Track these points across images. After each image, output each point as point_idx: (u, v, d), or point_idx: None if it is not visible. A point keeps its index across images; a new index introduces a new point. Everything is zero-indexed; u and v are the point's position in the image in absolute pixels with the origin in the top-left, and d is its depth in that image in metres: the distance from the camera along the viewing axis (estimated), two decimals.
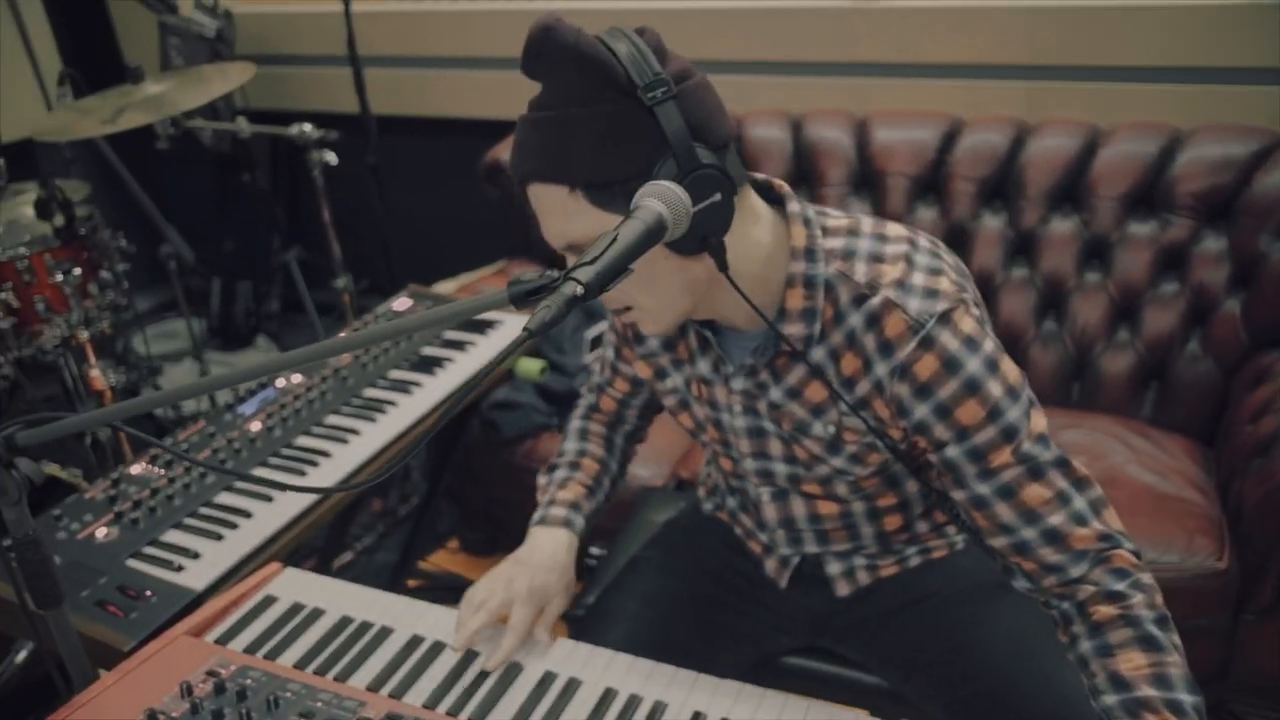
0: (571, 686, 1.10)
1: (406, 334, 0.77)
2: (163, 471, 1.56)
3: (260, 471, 1.57)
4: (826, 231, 1.10)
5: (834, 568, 1.33)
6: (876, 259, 1.07)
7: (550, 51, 0.93)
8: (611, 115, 0.93)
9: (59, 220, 2.02)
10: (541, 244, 2.68)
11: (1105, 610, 0.98)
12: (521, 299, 0.78)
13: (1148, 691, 0.93)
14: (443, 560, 2.56)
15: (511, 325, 1.97)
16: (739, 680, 1.12)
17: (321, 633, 1.18)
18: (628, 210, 0.92)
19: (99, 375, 2.08)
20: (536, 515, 1.35)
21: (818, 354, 1.09)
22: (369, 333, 0.81)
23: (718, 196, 0.95)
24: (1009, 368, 1.04)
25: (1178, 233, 2.09)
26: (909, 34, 2.56)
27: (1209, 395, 2.08)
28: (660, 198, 0.86)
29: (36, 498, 1.90)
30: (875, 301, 1.04)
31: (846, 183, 2.37)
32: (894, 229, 1.11)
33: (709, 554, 1.43)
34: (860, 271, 1.06)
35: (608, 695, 1.09)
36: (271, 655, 1.15)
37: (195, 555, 1.38)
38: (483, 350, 1.90)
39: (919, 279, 1.04)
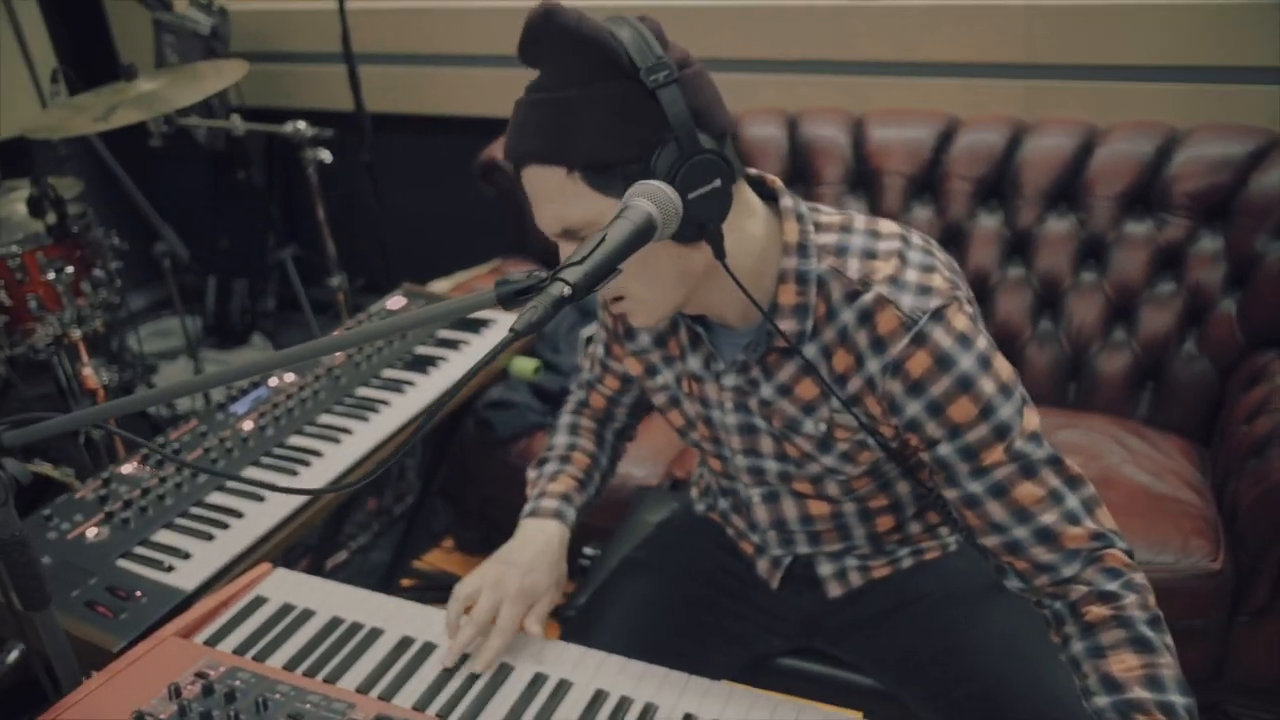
0: (562, 688, 1.09)
1: (393, 334, 0.76)
2: (154, 471, 1.55)
3: (252, 471, 1.56)
4: (819, 227, 1.09)
5: (826, 569, 1.32)
6: (869, 255, 1.06)
7: (552, 34, 0.93)
8: (613, 97, 0.93)
9: (51, 218, 2.02)
10: (537, 242, 2.69)
11: (1097, 611, 0.98)
12: (509, 299, 0.77)
13: (1140, 693, 0.93)
14: (438, 559, 2.56)
15: (506, 324, 1.96)
16: (731, 682, 1.11)
17: (311, 634, 1.17)
18: (624, 195, 0.91)
19: (91, 374, 2.07)
20: (527, 508, 1.34)
21: (809, 350, 1.08)
22: (357, 333, 0.80)
23: (717, 183, 0.95)
24: (1002, 365, 1.04)
25: (1174, 232, 2.09)
26: (907, 32, 2.55)
27: (1205, 395, 2.08)
28: (650, 197, 0.86)
29: (28, 497, 1.90)
30: (868, 298, 1.03)
31: (843, 181, 2.36)
32: (887, 226, 1.11)
33: (701, 555, 1.43)
34: (853, 268, 1.06)
35: (598, 697, 1.08)
36: (261, 656, 1.14)
37: (186, 555, 1.37)
38: (476, 349, 1.90)
39: (912, 276, 1.04)
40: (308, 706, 1.03)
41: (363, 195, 3.04)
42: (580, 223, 0.98)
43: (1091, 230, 2.15)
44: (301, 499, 1.48)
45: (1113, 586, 0.98)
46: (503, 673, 1.12)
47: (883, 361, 1.03)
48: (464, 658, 1.14)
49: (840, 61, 2.65)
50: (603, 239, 0.80)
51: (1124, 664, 0.94)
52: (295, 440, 1.63)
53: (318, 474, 1.55)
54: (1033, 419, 1.04)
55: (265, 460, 1.59)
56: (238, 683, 1.06)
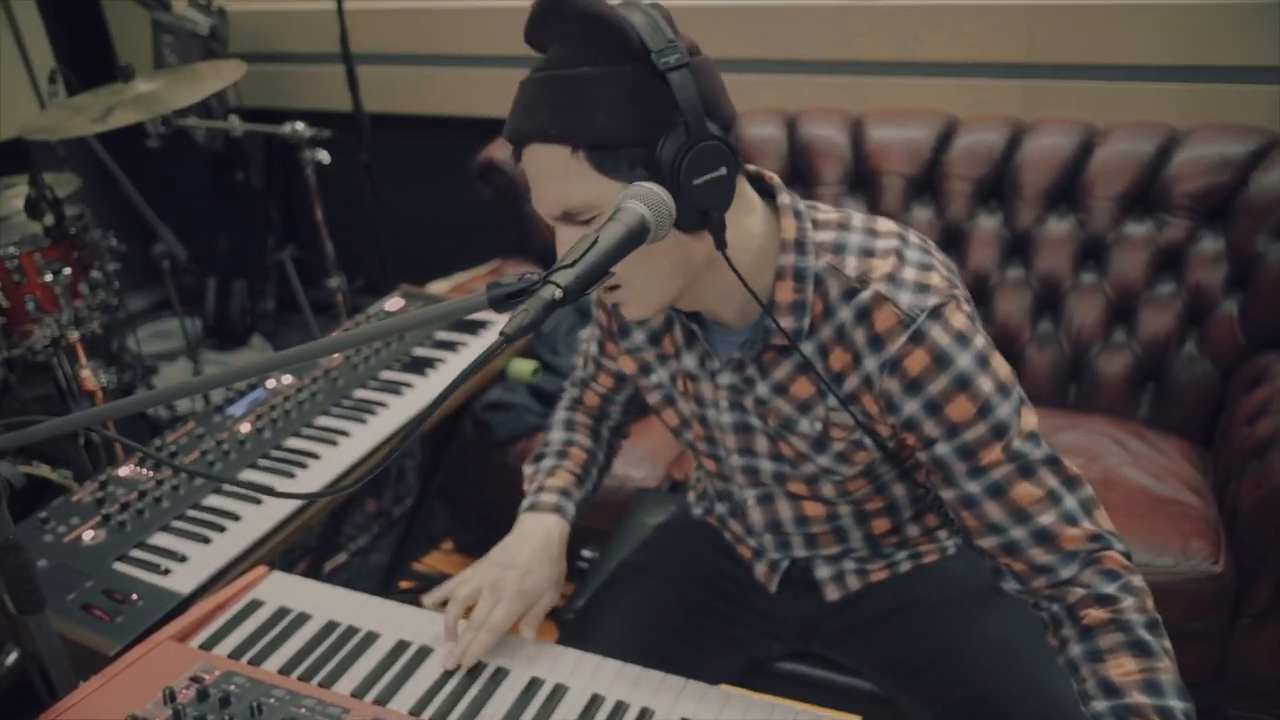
0: (558, 693, 1.09)
1: (383, 338, 0.76)
2: (151, 474, 1.55)
3: (248, 474, 1.56)
4: (817, 225, 1.09)
5: (823, 572, 1.32)
6: (867, 253, 1.06)
7: (562, 11, 0.92)
8: (623, 78, 0.92)
9: (49, 219, 2.01)
10: (537, 243, 2.68)
11: (1095, 614, 0.97)
12: (501, 302, 0.77)
13: (1138, 698, 0.92)
14: (437, 561, 2.55)
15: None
16: (728, 686, 1.11)
17: (307, 638, 1.17)
18: (629, 177, 0.91)
19: (90, 375, 2.07)
20: (525, 502, 1.33)
21: (806, 348, 1.08)
22: (348, 337, 0.79)
23: (723, 171, 0.94)
24: (1000, 364, 1.04)
25: (1174, 233, 2.08)
26: (906, 32, 2.55)
27: (1206, 397, 2.07)
28: (643, 199, 0.85)
29: (27, 499, 1.90)
30: (866, 295, 1.03)
31: (842, 182, 2.36)
32: (884, 224, 1.11)
33: (699, 558, 1.42)
34: (851, 265, 1.05)
35: (594, 702, 1.08)
36: (256, 661, 1.14)
37: (182, 558, 1.37)
38: (474, 351, 1.89)
39: (910, 274, 1.03)
40: (303, 711, 1.03)
41: (361, 196, 3.04)
42: (581, 205, 0.97)
43: (1091, 231, 2.15)
44: (298, 502, 1.48)
45: (1111, 589, 0.97)
46: (499, 677, 1.12)
47: (880, 359, 1.02)
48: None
49: (839, 61, 2.64)
50: (595, 241, 0.79)
51: (1122, 668, 0.94)
52: (292, 443, 1.63)
53: (315, 477, 1.55)
54: (1031, 419, 1.04)
55: (262, 463, 1.58)
56: (233, 687, 1.06)
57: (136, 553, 1.38)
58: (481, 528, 2.51)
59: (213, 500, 1.49)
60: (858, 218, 1.11)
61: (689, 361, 1.19)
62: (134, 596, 1.29)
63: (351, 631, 1.18)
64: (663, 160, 0.92)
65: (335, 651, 1.15)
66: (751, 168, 1.09)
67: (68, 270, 2.03)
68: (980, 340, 1.03)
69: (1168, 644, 0.96)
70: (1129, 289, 2.12)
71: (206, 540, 1.40)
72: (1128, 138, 2.13)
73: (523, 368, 1.95)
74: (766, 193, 1.10)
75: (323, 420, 1.68)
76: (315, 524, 1.54)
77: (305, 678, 1.11)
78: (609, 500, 2.02)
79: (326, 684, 1.10)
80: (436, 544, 2.62)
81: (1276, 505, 1.65)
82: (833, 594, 1.32)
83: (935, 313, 1.01)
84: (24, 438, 0.90)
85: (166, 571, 1.34)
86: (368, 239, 3.16)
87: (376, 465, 1.46)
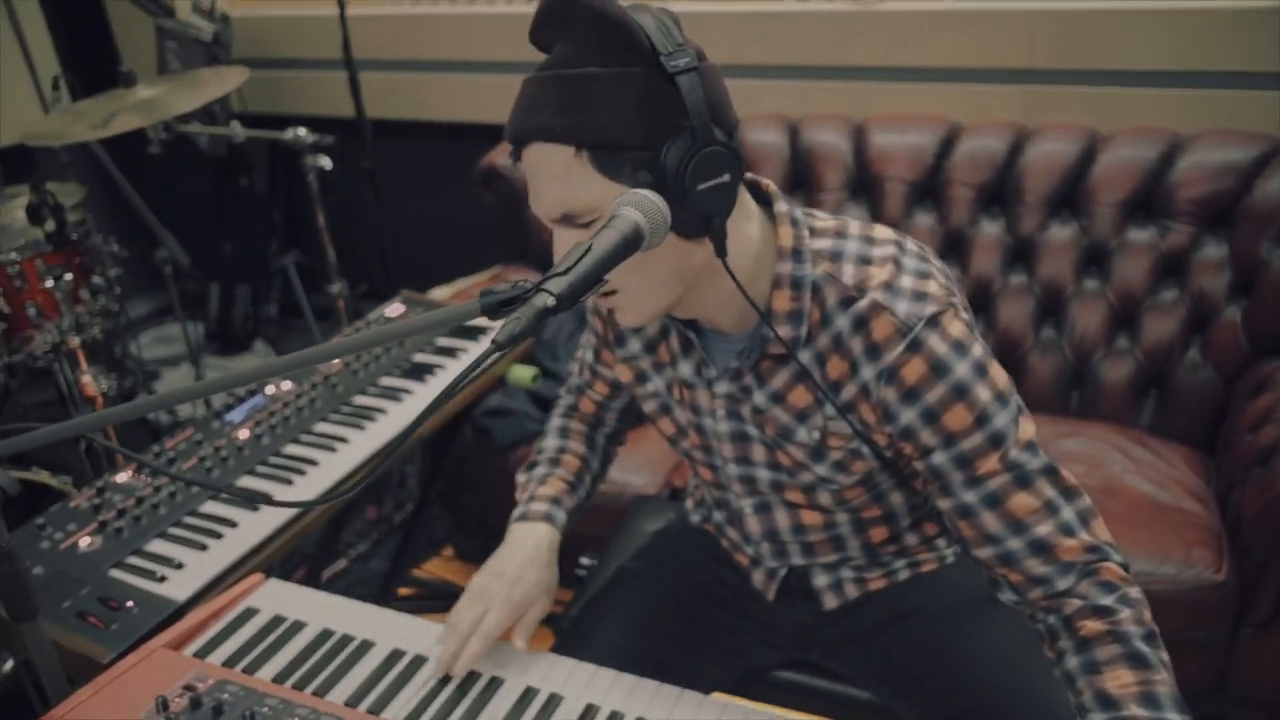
0: (553, 702, 1.08)
1: (373, 346, 0.76)
2: (149, 480, 1.54)
3: (247, 481, 1.55)
4: (814, 233, 1.08)
5: (821, 580, 1.31)
6: (864, 261, 1.05)
7: (571, 10, 0.90)
8: (631, 79, 0.91)
9: (50, 225, 2.01)
10: (538, 248, 2.68)
11: (1092, 625, 0.96)
12: (494, 310, 0.76)
13: (1135, 711, 0.91)
14: (437, 568, 2.55)
15: None
16: (725, 695, 1.10)
17: (302, 646, 1.17)
18: (631, 180, 0.90)
19: (90, 381, 2.07)
20: (516, 512, 1.32)
21: (803, 357, 1.07)
22: (338, 344, 0.79)
23: (726, 177, 0.94)
24: (997, 373, 1.03)
25: (1177, 239, 2.07)
26: (908, 38, 2.54)
27: (1209, 403, 2.06)
28: (638, 206, 0.85)
29: (26, 504, 1.90)
30: (863, 304, 1.02)
31: (844, 188, 2.35)
32: (881, 232, 1.10)
33: (696, 566, 1.41)
34: (848, 273, 1.04)
35: (589, 712, 1.07)
36: (250, 669, 1.13)
37: (179, 565, 1.36)
38: (474, 357, 1.88)
39: (907, 282, 1.03)
40: None
41: (364, 201, 3.04)
42: (582, 208, 0.95)
43: (1094, 237, 2.14)
44: (295, 509, 1.48)
45: (1108, 601, 0.97)
46: (493, 686, 1.11)
47: (877, 368, 1.02)
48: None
49: (842, 67, 2.64)
50: (588, 249, 0.79)
51: (1119, 680, 0.93)
52: (291, 449, 1.63)
53: (313, 484, 1.54)
54: (1028, 428, 1.03)
55: (261, 469, 1.58)
56: (226, 696, 1.05)
57: (133, 560, 1.38)
58: (481, 534, 2.50)
59: (210, 507, 1.48)
60: (855, 225, 1.10)
61: (685, 369, 1.19)
62: (129, 604, 1.28)
63: (346, 640, 1.17)
64: (667, 164, 0.91)
65: (329, 660, 1.14)
66: (749, 175, 1.09)
67: (69, 276, 2.03)
68: (978, 349, 1.02)
69: (1165, 656, 0.95)
70: (1132, 295, 2.11)
71: (203, 547, 1.40)
72: (1130, 143, 2.12)
73: (522, 374, 1.95)
74: (763, 200, 1.09)
75: (322, 427, 1.68)
76: (314, 531, 1.54)
77: (299, 686, 1.10)
78: (608, 507, 2.02)
79: (320, 693, 1.09)
80: (437, 550, 2.61)
81: (1279, 513, 1.64)
82: (830, 602, 1.32)
83: (933, 321, 1.00)
84: (18, 444, 0.89)
85: (163, 579, 1.34)
86: (370, 244, 3.16)
87: (364, 478, 1.44)
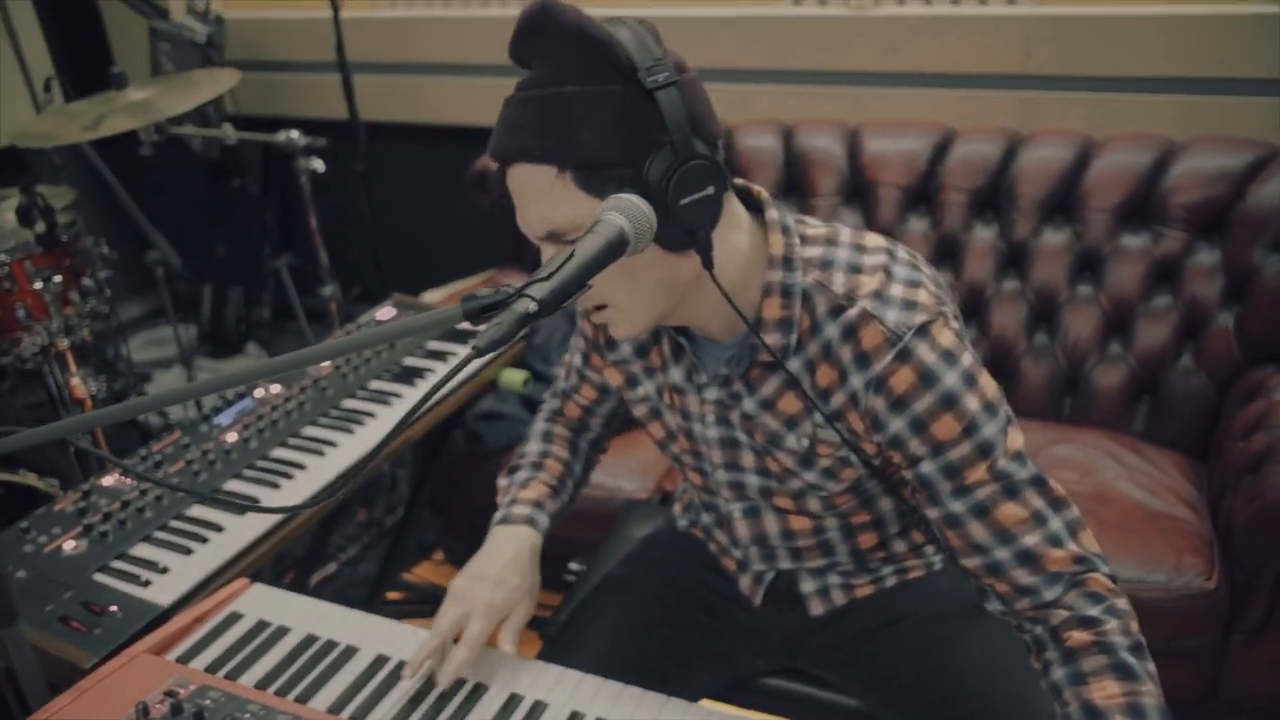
0: (537, 709, 1.08)
1: (355, 350, 0.75)
2: (134, 484, 1.53)
3: (234, 485, 1.54)
4: (805, 240, 1.08)
5: (808, 585, 1.30)
6: (854, 269, 1.05)
7: (548, 28, 0.90)
8: (610, 96, 0.90)
9: (40, 227, 2.00)
10: (531, 252, 2.67)
11: (1079, 636, 0.96)
12: (476, 314, 0.76)
13: None
14: (427, 572, 2.54)
15: None
16: (711, 702, 1.09)
17: (285, 652, 1.16)
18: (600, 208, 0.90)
19: (79, 384, 2.06)
20: (498, 515, 1.32)
21: (793, 365, 1.07)
22: (320, 348, 0.78)
23: (710, 190, 0.93)
24: (987, 383, 1.02)
25: (1171, 245, 2.07)
26: (904, 43, 2.54)
27: (1202, 410, 2.05)
28: (623, 211, 0.84)
29: (15, 507, 1.89)
30: (852, 313, 1.02)
31: (838, 193, 2.35)
32: (872, 239, 1.09)
33: (684, 572, 1.41)
34: (838, 282, 1.04)
35: (574, 719, 1.06)
36: (233, 675, 1.12)
37: (163, 570, 1.35)
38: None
39: (897, 291, 1.02)
40: None
41: (358, 204, 3.03)
42: (566, 225, 0.95)
43: (1087, 243, 2.13)
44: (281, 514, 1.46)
45: (1095, 612, 0.96)
46: (478, 693, 1.10)
47: (866, 377, 1.01)
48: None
49: (836, 71, 2.64)
50: (571, 254, 0.78)
51: (1105, 691, 0.92)
52: (279, 453, 1.62)
53: (301, 488, 1.53)
54: (1017, 438, 1.02)
55: (248, 473, 1.57)
56: (207, 702, 1.05)
57: (117, 564, 1.37)
58: (472, 538, 2.47)
59: (196, 511, 1.47)
60: (846, 233, 1.10)
61: (676, 374, 1.18)
62: (113, 608, 1.27)
63: (330, 646, 1.17)
64: (649, 180, 0.91)
65: (313, 666, 1.13)
66: (739, 181, 1.09)
67: (58, 278, 2.02)
68: (967, 358, 1.02)
69: (1152, 667, 0.95)
70: (1125, 301, 2.11)
71: (188, 551, 1.39)
72: (1124, 149, 2.12)
73: (514, 378, 1.94)
74: (754, 207, 1.09)
75: (310, 430, 1.67)
76: (302, 535, 1.53)
77: (282, 692, 1.10)
78: (599, 511, 2.02)
79: (303, 699, 1.09)
80: (427, 554, 2.61)
81: (1270, 520, 1.64)
82: (817, 608, 1.31)
83: (922, 330, 1.00)
84: (1, 447, 0.88)
85: (147, 583, 1.33)
86: (364, 247, 3.16)
87: (346, 482, 1.43)
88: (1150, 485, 1.90)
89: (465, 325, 0.77)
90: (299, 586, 1.98)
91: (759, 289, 1.06)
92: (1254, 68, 2.23)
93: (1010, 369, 2.20)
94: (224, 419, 1.70)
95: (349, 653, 1.15)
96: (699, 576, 1.39)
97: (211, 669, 1.13)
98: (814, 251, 1.07)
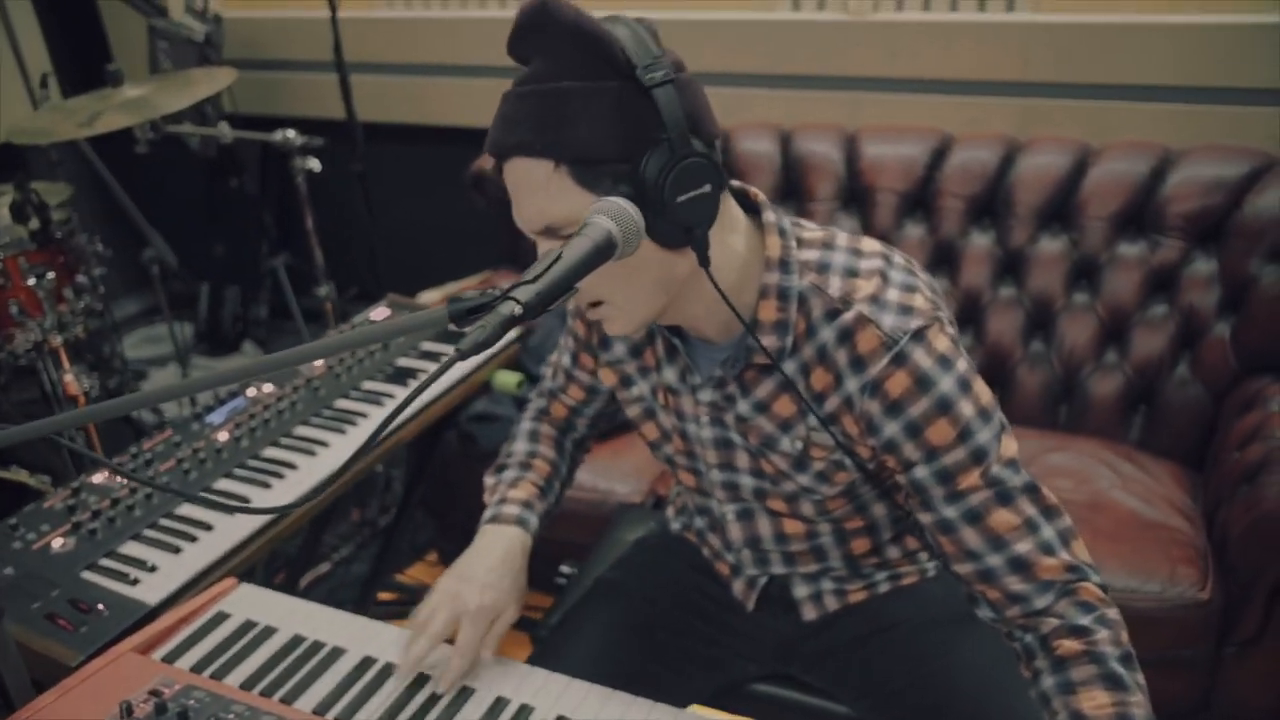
0: (523, 713, 1.07)
1: (338, 352, 0.74)
2: (124, 481, 1.53)
3: (224, 484, 1.54)
4: (801, 243, 1.08)
5: (801, 590, 1.30)
6: (851, 273, 1.05)
7: (546, 25, 0.90)
8: (608, 92, 0.91)
9: (34, 223, 2.00)
10: (527, 253, 2.66)
11: (1069, 645, 0.95)
12: (461, 317, 0.75)
13: None
14: (420, 573, 2.53)
15: None
16: (700, 707, 1.09)
17: (271, 652, 1.15)
18: (611, 193, 0.90)
19: (72, 380, 2.05)
20: (487, 514, 1.31)
21: (788, 367, 1.06)
22: (304, 349, 0.77)
23: (707, 188, 0.93)
24: (981, 389, 1.02)
25: (1168, 254, 2.07)
26: (902, 48, 2.54)
27: (1198, 420, 2.05)
28: (611, 215, 0.84)
29: (6, 504, 1.88)
30: (848, 316, 1.01)
31: (835, 198, 2.34)
32: (869, 244, 1.09)
33: (676, 576, 1.40)
34: (834, 285, 1.04)
35: None
36: (218, 675, 1.12)
37: (152, 568, 1.34)
38: (460, 363, 1.87)
39: (893, 295, 1.02)
40: None
41: (355, 204, 3.03)
42: (562, 220, 0.95)
43: (1084, 251, 2.13)
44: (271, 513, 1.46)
45: (1085, 621, 0.96)
46: (463, 696, 1.10)
47: (861, 381, 1.01)
48: (423, 678, 1.12)
49: (835, 77, 2.64)
50: (558, 256, 0.78)
51: (1094, 701, 0.92)
52: (270, 452, 1.61)
53: (291, 488, 1.53)
54: (1010, 445, 1.02)
55: (239, 472, 1.56)
56: (192, 702, 1.04)
57: (106, 562, 1.36)
58: (466, 539, 2.46)
59: (185, 510, 1.46)
60: (842, 237, 1.10)
61: (670, 375, 1.18)
62: (100, 606, 1.26)
63: (317, 647, 1.16)
64: (646, 176, 0.91)
65: (299, 667, 1.13)
66: (736, 184, 1.08)
67: (52, 275, 2.02)
68: (963, 364, 1.02)
69: (1141, 679, 0.94)
70: (1121, 310, 2.11)
71: (177, 550, 1.38)
72: (1122, 157, 2.12)
73: (508, 380, 1.94)
74: (751, 209, 1.09)
75: (302, 430, 1.67)
76: (289, 535, 1.52)
77: (267, 693, 1.09)
78: (591, 514, 2.01)
79: (288, 700, 1.08)
80: (420, 555, 2.60)
81: (1266, 531, 1.63)
82: (810, 614, 1.30)
83: (918, 335, 0.99)
84: None
85: (135, 581, 1.32)
86: (361, 247, 3.16)
87: (320, 488, 1.42)
88: (1145, 495, 1.90)
89: (454, 327, 0.76)
90: (290, 585, 1.97)
91: (755, 291, 1.06)
92: (1253, 77, 2.23)
93: (1006, 376, 2.20)
94: (216, 418, 1.70)
95: (335, 654, 1.15)
96: (692, 580, 1.39)
97: (197, 668, 1.12)
98: (810, 255, 1.07)
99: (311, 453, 1.61)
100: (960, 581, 1.06)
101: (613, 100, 0.91)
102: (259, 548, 1.43)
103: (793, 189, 2.38)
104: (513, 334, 1.94)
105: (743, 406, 1.12)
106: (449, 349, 1.91)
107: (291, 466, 1.57)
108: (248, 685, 1.10)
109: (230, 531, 1.42)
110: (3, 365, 2.13)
